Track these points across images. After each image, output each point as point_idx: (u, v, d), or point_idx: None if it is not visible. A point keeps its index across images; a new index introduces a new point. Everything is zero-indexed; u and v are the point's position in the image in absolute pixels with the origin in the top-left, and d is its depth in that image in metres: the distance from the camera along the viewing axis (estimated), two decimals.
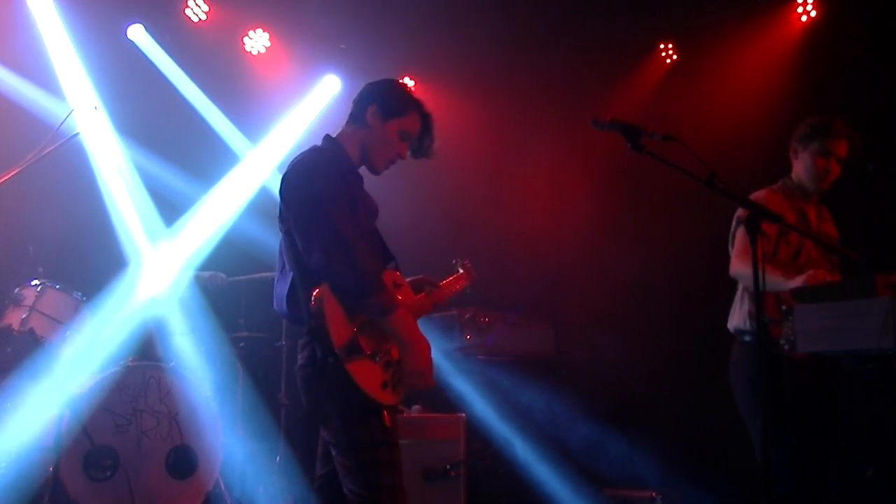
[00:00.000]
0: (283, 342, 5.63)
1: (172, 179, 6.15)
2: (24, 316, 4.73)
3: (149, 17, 6.28)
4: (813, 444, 3.62)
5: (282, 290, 2.87)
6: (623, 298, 6.15)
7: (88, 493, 4.40)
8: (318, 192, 2.74)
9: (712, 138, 5.49)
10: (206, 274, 5.54)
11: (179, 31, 6.36)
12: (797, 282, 3.43)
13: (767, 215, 2.85)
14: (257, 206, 6.38)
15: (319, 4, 6.31)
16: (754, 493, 3.62)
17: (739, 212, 3.82)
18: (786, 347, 3.46)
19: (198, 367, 5.23)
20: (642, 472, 5.54)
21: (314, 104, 6.78)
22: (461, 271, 3.41)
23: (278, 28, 6.64)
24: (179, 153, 6.16)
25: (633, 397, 6.05)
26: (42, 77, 5.76)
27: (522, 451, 5.41)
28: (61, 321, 4.85)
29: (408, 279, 3.11)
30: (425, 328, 2.86)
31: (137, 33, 6.25)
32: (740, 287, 3.86)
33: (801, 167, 3.86)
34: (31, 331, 4.69)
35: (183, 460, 4.73)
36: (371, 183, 3.06)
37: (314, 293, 2.70)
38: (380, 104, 2.99)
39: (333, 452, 2.79)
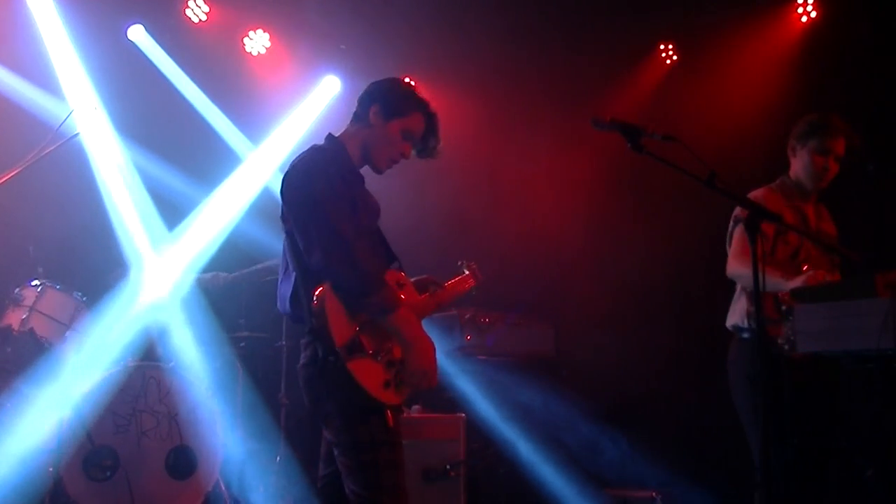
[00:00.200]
0: (284, 342, 5.63)
1: (172, 180, 6.14)
2: (24, 316, 4.73)
3: (149, 18, 6.28)
4: (812, 444, 3.61)
5: (286, 290, 2.87)
6: (623, 298, 6.15)
7: (88, 494, 4.40)
8: (318, 191, 2.74)
9: (712, 138, 5.49)
10: (208, 276, 5.55)
11: (180, 32, 6.36)
12: (797, 282, 3.41)
13: (767, 215, 2.84)
14: (259, 208, 6.39)
15: (319, 4, 6.30)
16: (754, 494, 3.64)
17: (737, 211, 3.79)
18: (786, 348, 3.46)
19: (198, 367, 5.24)
20: (642, 472, 5.54)
21: (314, 105, 6.77)
22: (467, 272, 3.37)
23: (278, 28, 6.64)
24: (179, 153, 6.16)
25: (633, 397, 6.05)
26: (42, 77, 5.76)
27: (523, 451, 5.41)
28: (61, 321, 4.85)
29: (412, 279, 3.09)
30: (425, 328, 2.84)
31: (138, 34, 6.25)
32: (738, 286, 3.84)
33: (799, 165, 3.83)
34: (31, 331, 4.70)
35: (183, 460, 4.73)
36: (368, 184, 3.05)
37: (316, 293, 2.70)
38: (382, 103, 2.98)
39: (336, 452, 2.78)
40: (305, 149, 2.94)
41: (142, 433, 4.64)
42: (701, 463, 5.48)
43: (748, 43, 6.09)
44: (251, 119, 6.63)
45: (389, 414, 2.74)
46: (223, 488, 4.85)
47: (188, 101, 6.43)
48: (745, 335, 3.75)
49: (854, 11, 5.63)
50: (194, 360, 5.29)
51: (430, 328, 2.86)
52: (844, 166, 3.82)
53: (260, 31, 6.62)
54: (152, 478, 4.61)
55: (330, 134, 3.03)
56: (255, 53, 6.65)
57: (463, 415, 5.16)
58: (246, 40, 6.62)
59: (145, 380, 4.74)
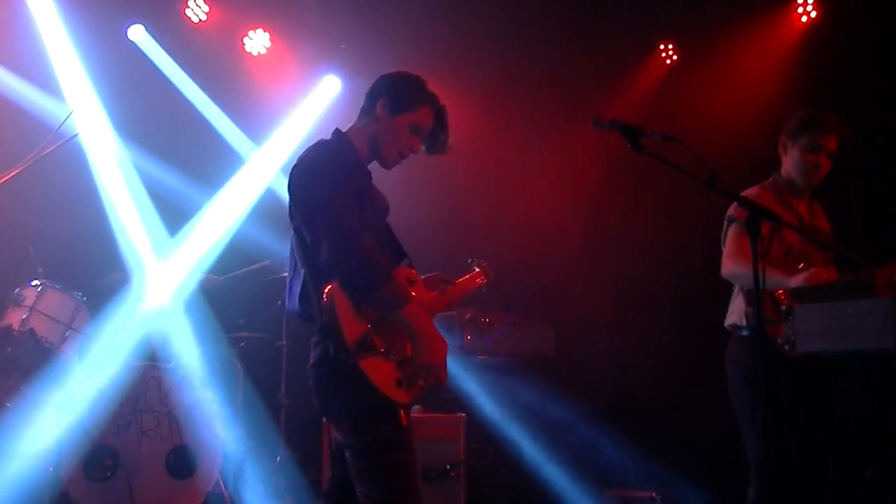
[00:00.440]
0: (284, 342, 5.63)
1: (172, 180, 6.14)
2: (24, 316, 4.73)
3: (149, 18, 6.28)
4: (811, 443, 3.61)
5: (295, 287, 2.82)
6: (623, 298, 6.15)
7: (88, 493, 4.41)
8: (324, 187, 2.69)
9: (712, 138, 5.48)
10: (202, 277, 5.56)
11: (180, 32, 6.36)
12: (798, 281, 3.40)
13: (767, 215, 2.83)
14: (261, 209, 6.38)
15: (319, 4, 6.30)
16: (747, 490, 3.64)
17: (731, 211, 3.76)
18: (786, 348, 3.45)
19: (198, 367, 5.23)
20: (642, 472, 5.54)
21: (314, 105, 6.77)
22: (477, 270, 3.32)
23: (279, 28, 6.64)
24: (179, 153, 6.16)
25: (633, 397, 6.05)
26: (42, 77, 5.76)
27: (524, 451, 5.41)
28: (61, 321, 4.85)
29: (422, 276, 3.04)
30: None
31: (138, 34, 6.25)
32: (736, 285, 3.83)
33: (790, 163, 3.79)
34: (32, 331, 4.70)
35: (183, 460, 4.74)
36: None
37: (325, 289, 2.64)
38: (390, 98, 2.94)
39: (346, 454, 2.71)
40: (311, 144, 2.90)
41: (142, 433, 4.64)
42: (701, 463, 5.48)
43: (748, 43, 6.09)
44: (251, 119, 6.63)
45: (403, 413, 2.67)
46: (223, 488, 4.86)
47: (188, 102, 6.42)
48: (744, 332, 3.73)
49: (854, 11, 5.62)
50: (195, 360, 5.29)
51: None
52: (837, 162, 3.78)
53: (260, 31, 6.62)
54: (152, 478, 4.61)
55: (337, 129, 2.97)
56: (255, 53, 6.65)
57: (463, 415, 5.15)
58: (246, 40, 6.61)
59: (146, 380, 4.74)
